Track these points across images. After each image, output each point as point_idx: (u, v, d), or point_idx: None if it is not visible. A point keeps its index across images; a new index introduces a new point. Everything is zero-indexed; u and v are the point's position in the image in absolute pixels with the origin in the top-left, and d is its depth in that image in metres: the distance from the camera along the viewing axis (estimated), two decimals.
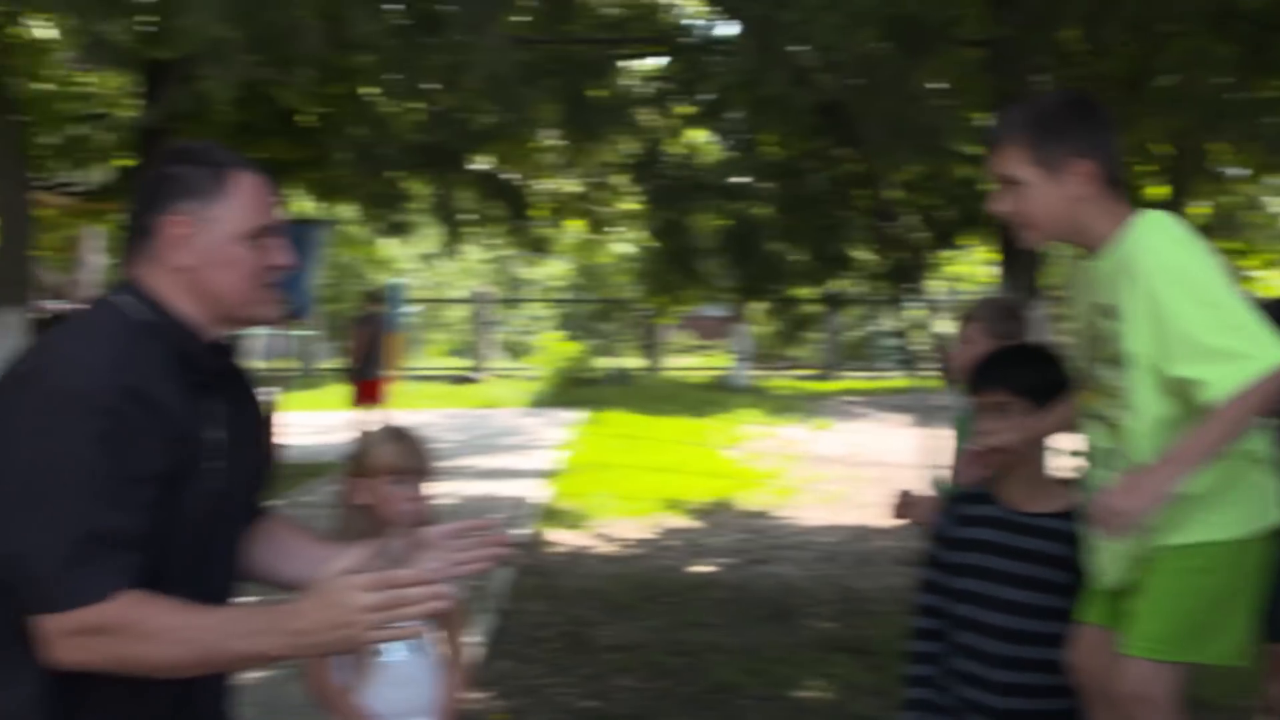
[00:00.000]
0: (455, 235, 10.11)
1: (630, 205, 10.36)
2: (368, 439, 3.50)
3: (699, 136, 9.98)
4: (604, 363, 25.88)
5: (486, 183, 9.47)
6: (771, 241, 8.93)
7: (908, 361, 8.83)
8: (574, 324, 29.33)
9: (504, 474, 13.57)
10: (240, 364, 2.49)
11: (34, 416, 2.14)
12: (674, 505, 11.79)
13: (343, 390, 15.90)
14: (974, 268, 18.48)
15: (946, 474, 4.08)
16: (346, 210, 14.05)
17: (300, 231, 13.22)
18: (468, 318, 29.70)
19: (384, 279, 25.38)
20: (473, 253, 29.34)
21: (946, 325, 4.44)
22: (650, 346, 27.82)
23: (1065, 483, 3.18)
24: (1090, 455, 3.00)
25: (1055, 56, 6.16)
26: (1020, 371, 3.23)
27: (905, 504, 3.77)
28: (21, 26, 9.92)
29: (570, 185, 10.50)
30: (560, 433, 17.14)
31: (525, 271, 33.31)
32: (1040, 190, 2.88)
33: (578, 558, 9.69)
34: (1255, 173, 9.51)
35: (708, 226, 9.25)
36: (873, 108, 5.82)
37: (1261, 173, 9.57)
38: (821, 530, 10.87)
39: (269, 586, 2.56)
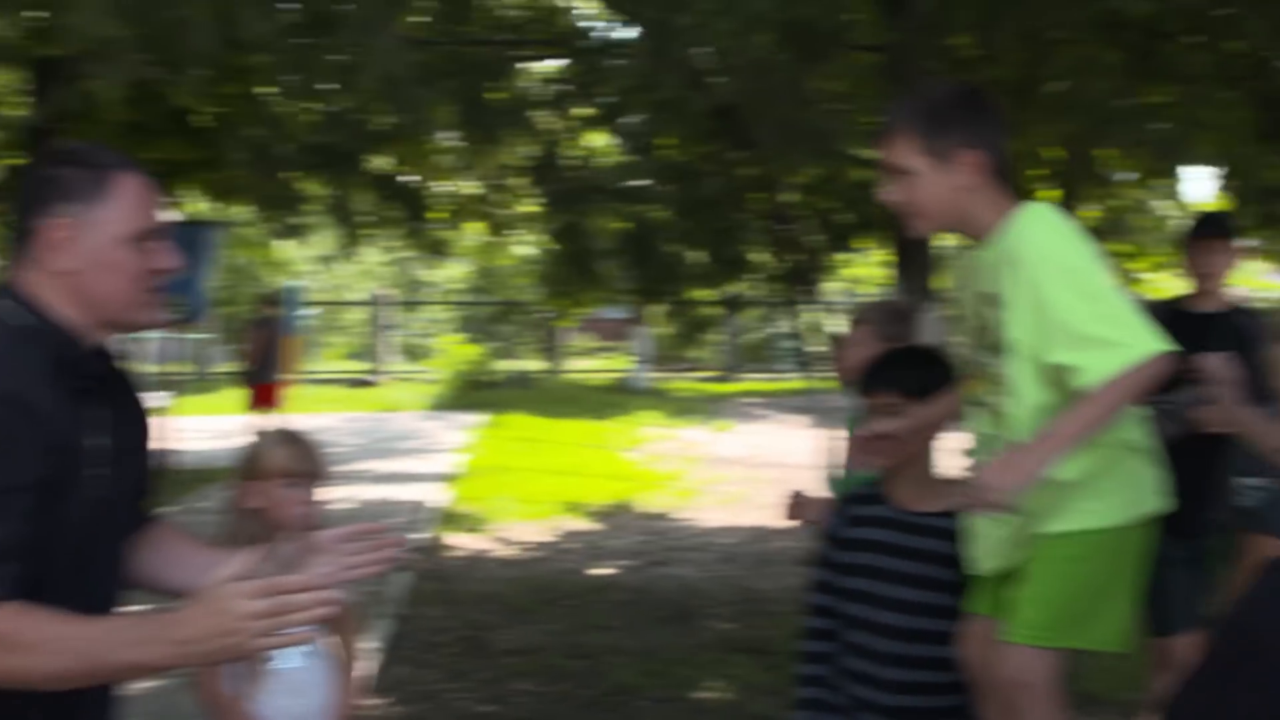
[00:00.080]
0: (352, 237, 10.01)
1: (529, 208, 10.33)
2: (259, 442, 3.46)
3: (598, 139, 9.98)
4: (504, 365, 25.78)
5: (384, 184, 9.38)
6: (669, 244, 8.97)
7: (805, 363, 8.91)
8: (474, 327, 29.16)
9: (403, 478, 13.46)
10: (125, 369, 2.45)
11: None
12: (574, 508, 11.78)
13: (238, 394, 15.65)
14: (871, 270, 18.71)
15: (840, 471, 4.12)
16: (242, 211, 13.83)
17: (194, 233, 12.99)
18: (366, 320, 29.42)
19: (281, 281, 25.07)
20: (371, 255, 29.07)
21: (841, 327, 4.50)
22: (550, 349, 27.77)
23: (954, 482, 3.23)
24: (975, 442, 3.05)
25: (947, 62, 6.26)
26: (910, 373, 3.27)
27: (797, 505, 3.81)
28: None
29: (469, 187, 10.43)
30: (460, 436, 17.04)
31: (425, 274, 33.05)
32: (929, 180, 2.93)
33: (477, 562, 9.64)
34: (1143, 177, 9.72)
35: (606, 229, 9.26)
36: (767, 111, 5.87)
37: (1149, 177, 9.78)
38: (721, 531, 10.93)
39: (157, 594, 2.52)
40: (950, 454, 3.23)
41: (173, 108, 8.61)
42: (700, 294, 10.16)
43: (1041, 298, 2.78)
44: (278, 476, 3.30)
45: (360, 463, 14.26)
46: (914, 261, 6.99)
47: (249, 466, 3.36)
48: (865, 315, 4.27)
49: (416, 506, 11.67)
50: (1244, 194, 7.76)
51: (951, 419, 3.21)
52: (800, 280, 8.66)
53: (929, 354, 3.52)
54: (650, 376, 24.58)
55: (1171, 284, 9.56)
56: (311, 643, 3.24)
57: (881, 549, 3.22)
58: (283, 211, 9.64)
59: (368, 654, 6.65)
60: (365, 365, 27.56)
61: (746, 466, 14.42)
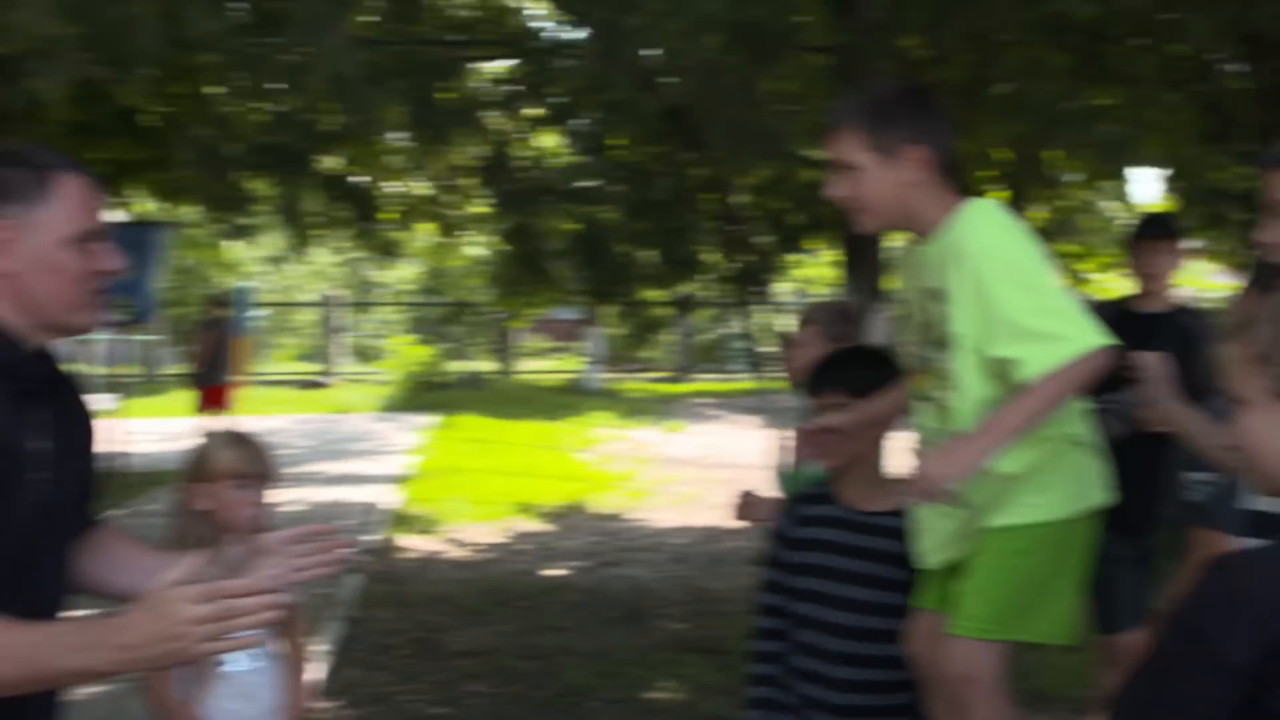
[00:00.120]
0: (302, 238, 9.94)
1: (480, 208, 10.29)
2: (208, 444, 3.43)
3: (549, 140, 9.97)
4: (456, 366, 25.70)
5: (334, 185, 9.32)
6: (621, 245, 8.97)
7: (757, 364, 8.94)
8: (425, 328, 29.03)
9: (354, 479, 13.40)
10: (69, 372, 2.42)
11: None
12: (526, 509, 11.76)
13: (187, 396, 15.52)
14: (822, 270, 18.78)
15: (787, 467, 4.13)
16: (190, 212, 13.71)
17: (142, 234, 12.87)
18: (317, 322, 29.25)
19: (230, 282, 24.87)
20: (322, 256, 28.89)
21: (791, 328, 4.51)
22: (503, 350, 27.70)
23: (903, 481, 3.25)
24: (921, 437, 3.07)
25: (897, 63, 6.29)
26: (856, 372, 3.29)
27: (746, 504, 3.81)
28: None
29: (420, 188, 10.38)
30: (412, 437, 16.98)
31: (376, 275, 32.89)
32: (875, 175, 2.94)
33: (429, 563, 9.61)
34: (1089, 178, 9.81)
35: (558, 230, 9.25)
36: (717, 112, 5.88)
37: (1096, 178, 9.88)
38: (674, 532, 10.95)
39: (102, 599, 2.49)
40: (899, 453, 3.25)
41: (120, 107, 8.52)
42: (652, 294, 10.17)
43: (985, 292, 2.80)
44: (227, 478, 3.27)
45: (311, 464, 14.18)
46: (864, 261, 7.03)
47: (197, 468, 3.33)
48: (812, 316, 4.29)
49: (368, 508, 11.61)
50: (1189, 195, 7.85)
51: (898, 416, 3.22)
52: (751, 281, 8.68)
53: (876, 353, 3.54)
54: (602, 377, 24.58)
55: (1119, 284, 9.65)
56: (260, 646, 3.22)
57: (831, 548, 3.23)
58: (231, 212, 9.56)
59: (318, 656, 6.62)
60: (316, 366, 27.40)
61: (699, 467, 14.45)
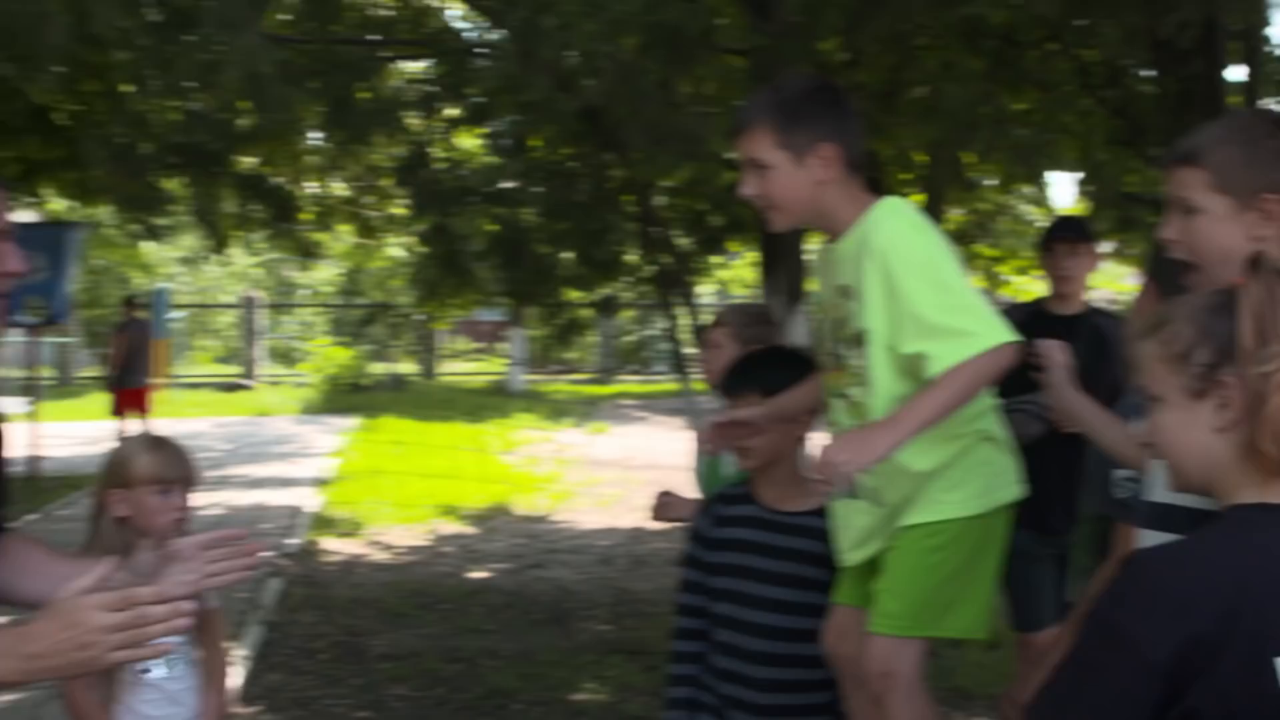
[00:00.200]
0: (218, 239, 9.83)
1: (400, 210, 10.24)
2: (125, 448, 3.36)
3: (469, 141, 9.93)
4: (378, 368, 25.53)
5: (249, 185, 9.22)
6: (541, 246, 8.95)
7: (680, 365, 8.95)
8: (347, 329, 28.80)
9: (275, 482, 13.27)
10: None
11: None
12: (449, 511, 11.71)
13: (103, 399, 15.29)
14: (744, 272, 18.89)
15: (700, 462, 4.12)
16: (105, 212, 13.50)
17: (55, 234, 12.65)
18: (237, 323, 28.91)
19: (147, 283, 24.53)
20: (241, 257, 28.58)
21: (709, 330, 4.53)
22: (425, 352, 27.55)
23: (811, 470, 3.26)
24: (835, 434, 3.09)
25: (814, 66, 6.34)
26: (771, 373, 3.30)
27: (663, 505, 3.81)
28: None
29: (338, 188, 10.31)
30: (333, 440, 16.84)
31: (296, 276, 32.57)
32: (785, 173, 2.94)
33: (351, 566, 9.53)
34: (1005, 181, 9.96)
35: (478, 231, 9.22)
36: (634, 114, 5.89)
37: (1011, 182, 10.03)
38: (598, 533, 10.95)
39: (13, 606, 2.44)
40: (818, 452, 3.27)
41: (32, 105, 8.38)
42: (573, 296, 10.17)
43: (895, 289, 2.82)
44: (147, 484, 3.21)
45: (231, 468, 14.02)
46: (784, 262, 7.07)
47: (115, 474, 3.26)
48: (724, 318, 4.29)
49: (289, 511, 11.50)
50: (1101, 199, 7.99)
51: (812, 413, 3.24)
52: (672, 282, 8.70)
53: (791, 354, 3.56)
54: (526, 379, 24.53)
55: (1038, 286, 9.81)
56: (172, 653, 3.18)
57: (750, 548, 3.24)
58: (146, 212, 9.43)
59: (239, 661, 6.55)
60: (235, 369, 27.09)
61: (622, 468, 14.46)
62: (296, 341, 29.74)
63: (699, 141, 6.27)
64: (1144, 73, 7.37)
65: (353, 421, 18.67)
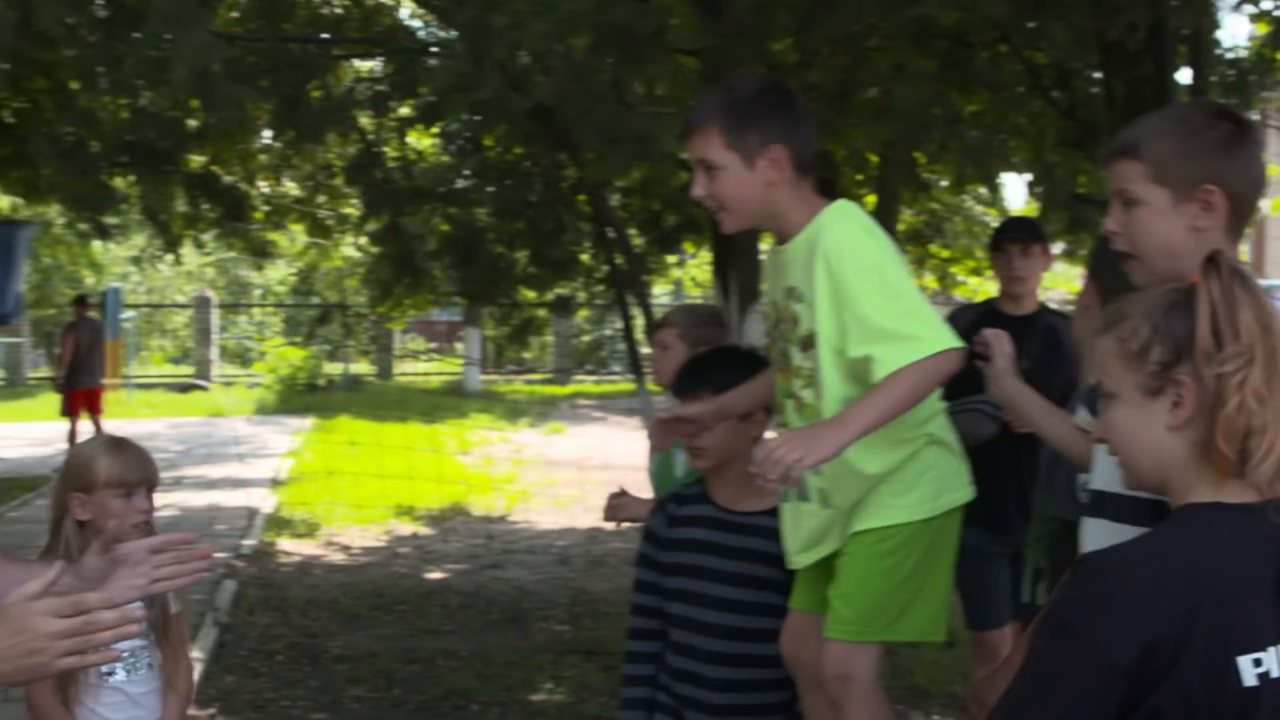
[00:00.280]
0: (168, 238, 9.74)
1: (352, 209, 10.19)
2: (85, 451, 3.31)
3: (422, 141, 9.90)
4: (332, 369, 25.39)
5: (201, 184, 9.13)
6: (495, 246, 8.92)
7: (635, 366, 8.96)
8: (301, 329, 28.62)
9: (230, 483, 13.18)
10: None
11: None
12: (406, 512, 11.67)
13: (53, 399, 15.13)
14: (699, 272, 18.93)
15: (652, 458, 4.12)
16: (55, 210, 13.37)
17: (5, 233, 12.54)
18: (189, 323, 28.69)
19: (98, 283, 24.30)
20: (194, 256, 28.36)
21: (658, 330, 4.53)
22: (381, 352, 27.43)
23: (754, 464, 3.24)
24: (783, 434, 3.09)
25: (766, 66, 6.35)
26: (724, 372, 3.30)
27: (614, 505, 3.81)
28: None
29: (289, 188, 10.24)
30: (288, 440, 16.74)
31: (250, 276, 32.36)
32: (735, 175, 2.93)
33: (307, 567, 9.48)
34: (957, 183, 10.01)
35: (431, 231, 9.18)
36: (586, 114, 5.88)
37: (963, 183, 10.08)
38: (555, 534, 10.94)
39: None
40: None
41: None
42: (529, 296, 10.15)
43: (843, 292, 2.83)
44: (109, 487, 3.16)
45: (186, 469, 13.93)
46: (736, 263, 7.08)
47: (76, 477, 3.21)
48: (671, 319, 4.28)
49: (244, 513, 11.43)
50: (1051, 200, 8.05)
51: (763, 411, 3.24)
52: (626, 282, 8.70)
53: (743, 354, 3.57)
54: (482, 379, 24.48)
55: (992, 287, 9.88)
56: (134, 657, 3.17)
57: (704, 548, 3.25)
58: (95, 211, 9.33)
59: (194, 664, 6.50)
60: (188, 369, 26.89)
61: (579, 468, 14.45)
62: (250, 341, 29.55)
63: (651, 141, 6.26)
64: (1094, 74, 7.43)
65: (307, 422, 18.58)
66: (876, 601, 2.92)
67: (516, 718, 6.15)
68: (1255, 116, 8.04)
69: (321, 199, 10.20)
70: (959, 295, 14.89)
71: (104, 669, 3.09)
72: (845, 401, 2.85)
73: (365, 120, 8.89)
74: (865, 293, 2.81)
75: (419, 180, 9.08)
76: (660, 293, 21.92)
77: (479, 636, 7.53)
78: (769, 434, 3.28)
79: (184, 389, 24.18)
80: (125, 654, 3.15)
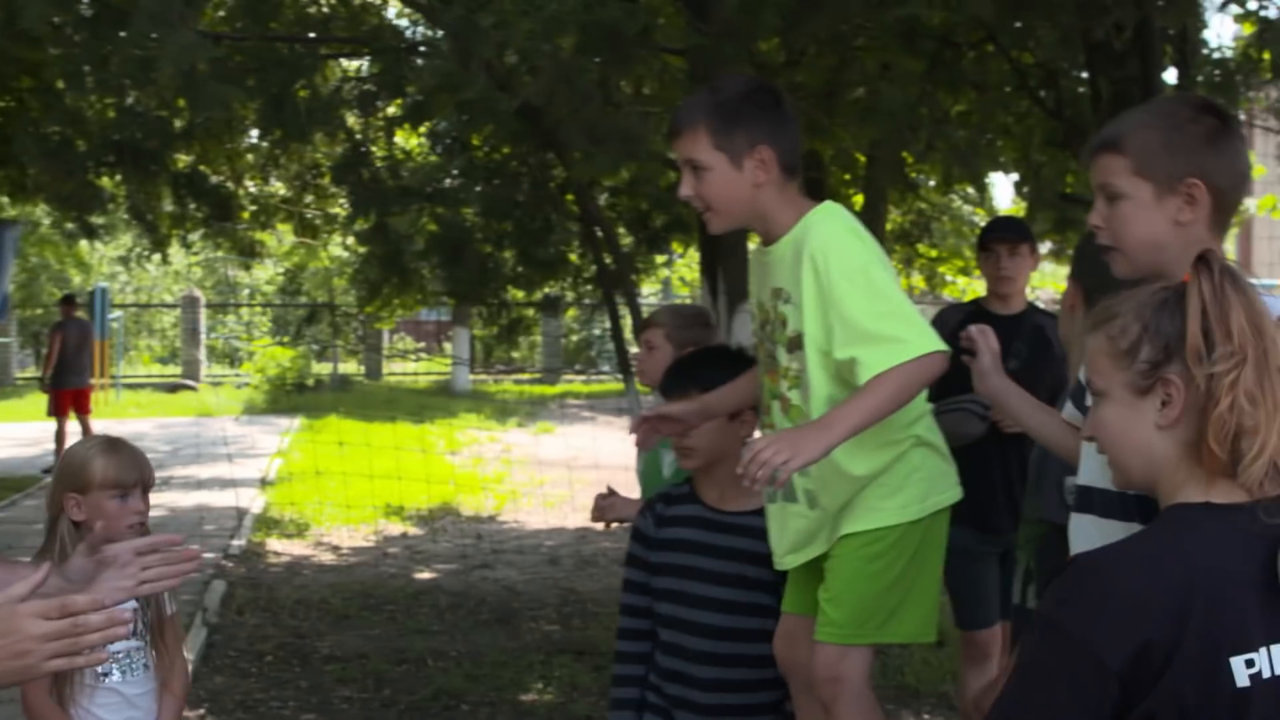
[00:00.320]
0: (155, 238, 9.72)
1: (340, 209, 10.17)
2: (81, 452, 3.29)
3: (410, 140, 9.89)
4: (321, 368, 25.36)
5: (187, 183, 9.11)
6: (482, 245, 8.92)
7: (624, 365, 8.96)
8: (289, 329, 28.59)
9: (218, 484, 13.14)
10: None
11: None
12: (395, 512, 11.65)
13: (41, 400, 15.09)
14: (687, 271, 18.95)
15: (639, 458, 4.12)
16: (42, 210, 13.34)
17: None
18: (177, 323, 28.63)
19: (87, 282, 24.26)
20: (183, 256, 28.30)
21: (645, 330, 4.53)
22: (369, 352, 27.40)
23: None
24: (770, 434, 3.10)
25: (754, 66, 6.36)
26: (711, 372, 3.30)
27: (602, 505, 3.81)
28: None
29: (277, 187, 10.23)
30: (276, 440, 16.71)
31: (238, 275, 32.31)
32: (722, 175, 2.93)
33: (296, 568, 9.46)
34: (944, 182, 10.03)
35: (418, 230, 9.17)
36: (573, 114, 5.87)
37: (951, 182, 10.11)
38: (544, 534, 10.93)
39: None
40: None
41: None
42: (517, 295, 10.15)
43: (829, 294, 2.83)
44: (105, 488, 3.15)
45: (174, 469, 13.90)
46: (724, 262, 7.08)
47: (71, 478, 3.19)
48: (657, 319, 4.28)
49: (233, 513, 11.40)
50: (1038, 199, 8.07)
51: (749, 410, 3.25)
52: (614, 282, 8.70)
53: (731, 354, 3.57)
54: (471, 378, 24.46)
55: (980, 286, 9.91)
56: (129, 658, 3.16)
57: (693, 548, 3.25)
58: (81, 210, 9.30)
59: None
60: (176, 369, 26.83)
61: (568, 468, 14.43)
62: (239, 341, 29.50)
63: (638, 141, 6.26)
64: (1080, 74, 7.45)
65: (296, 422, 18.54)
66: (866, 604, 2.92)
67: (506, 718, 6.14)
68: (1241, 116, 8.06)
69: (309, 198, 10.19)
70: (947, 295, 14.92)
71: (100, 669, 3.08)
72: (832, 403, 2.85)
73: (352, 120, 8.88)
74: (850, 295, 2.81)
75: (406, 180, 9.08)
76: (648, 292, 21.96)
77: (468, 636, 7.52)
78: (756, 434, 3.29)
79: (172, 389, 24.12)
80: (119, 654, 3.15)
